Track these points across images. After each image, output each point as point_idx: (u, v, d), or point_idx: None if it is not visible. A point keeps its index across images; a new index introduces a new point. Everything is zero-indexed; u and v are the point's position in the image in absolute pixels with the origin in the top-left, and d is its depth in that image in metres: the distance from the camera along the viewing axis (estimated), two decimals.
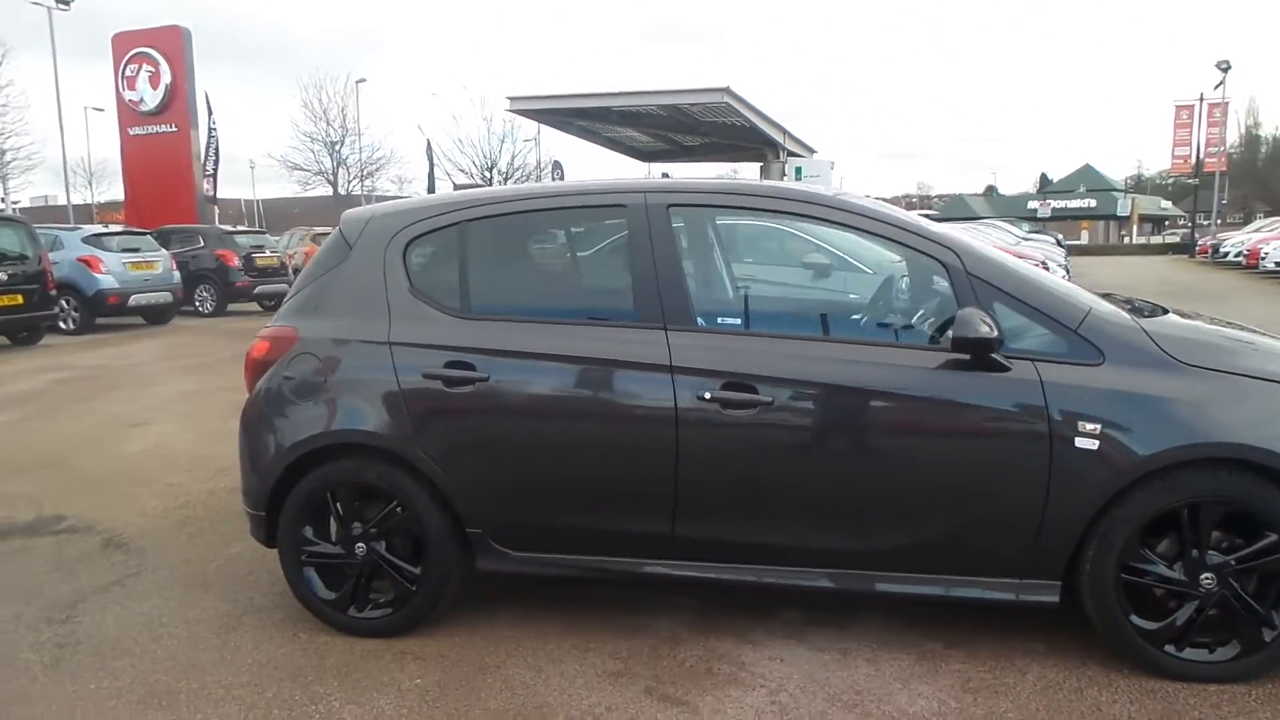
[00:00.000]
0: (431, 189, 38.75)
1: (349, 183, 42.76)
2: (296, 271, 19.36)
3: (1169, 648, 2.80)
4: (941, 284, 2.98)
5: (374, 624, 3.27)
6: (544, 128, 27.16)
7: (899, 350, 2.94)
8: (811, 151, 20.19)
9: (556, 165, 47.59)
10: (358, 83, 41.14)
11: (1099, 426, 2.72)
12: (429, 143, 38.47)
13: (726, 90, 14.53)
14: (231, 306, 17.95)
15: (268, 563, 4.03)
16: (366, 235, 3.36)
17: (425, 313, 3.21)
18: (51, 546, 4.38)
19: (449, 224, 3.30)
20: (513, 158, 47.43)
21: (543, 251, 3.57)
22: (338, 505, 3.26)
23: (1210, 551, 2.74)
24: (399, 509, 3.19)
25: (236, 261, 17.49)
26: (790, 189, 3.25)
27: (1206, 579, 2.73)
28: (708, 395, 2.91)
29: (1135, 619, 2.81)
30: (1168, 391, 2.73)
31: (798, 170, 18.88)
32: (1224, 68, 33.52)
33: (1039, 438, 2.76)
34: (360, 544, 3.24)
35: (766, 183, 3.26)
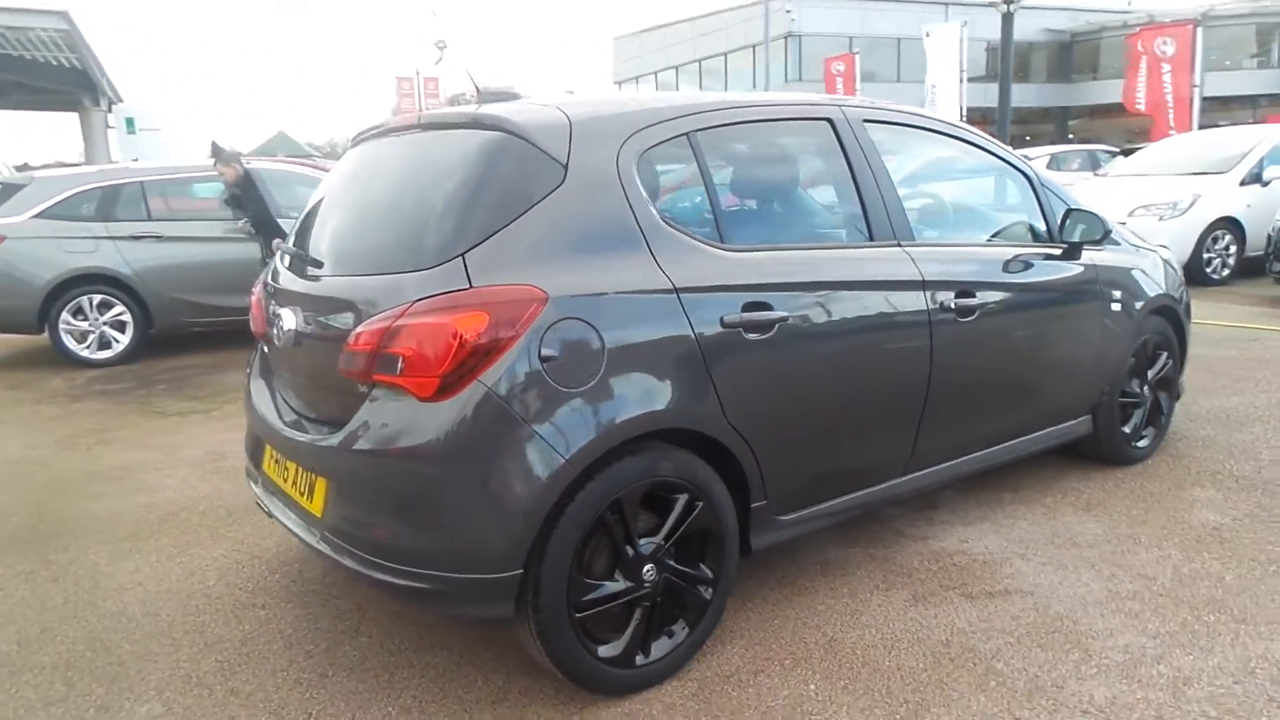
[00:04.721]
0: None
1: None
2: None
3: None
4: (1023, 192, 3.57)
5: (664, 663, 2.49)
6: None
7: (1039, 249, 3.45)
8: (120, 100, 16.85)
9: None
10: None
11: (1120, 292, 3.71)
12: None
13: (65, 15, 11.37)
14: None
15: (349, 675, 2.56)
16: (582, 148, 2.38)
17: (690, 245, 2.49)
18: None
19: (677, 134, 2.57)
20: None
21: (767, 168, 2.97)
22: (620, 522, 2.35)
23: None
24: (696, 503, 2.47)
25: None
26: (926, 112, 3.39)
27: None
28: (953, 305, 3.01)
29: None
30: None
31: (129, 121, 15.46)
32: (441, 46, 38.30)
33: (1101, 301, 3.63)
34: (649, 565, 2.41)
35: (907, 105, 3.36)
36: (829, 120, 2.93)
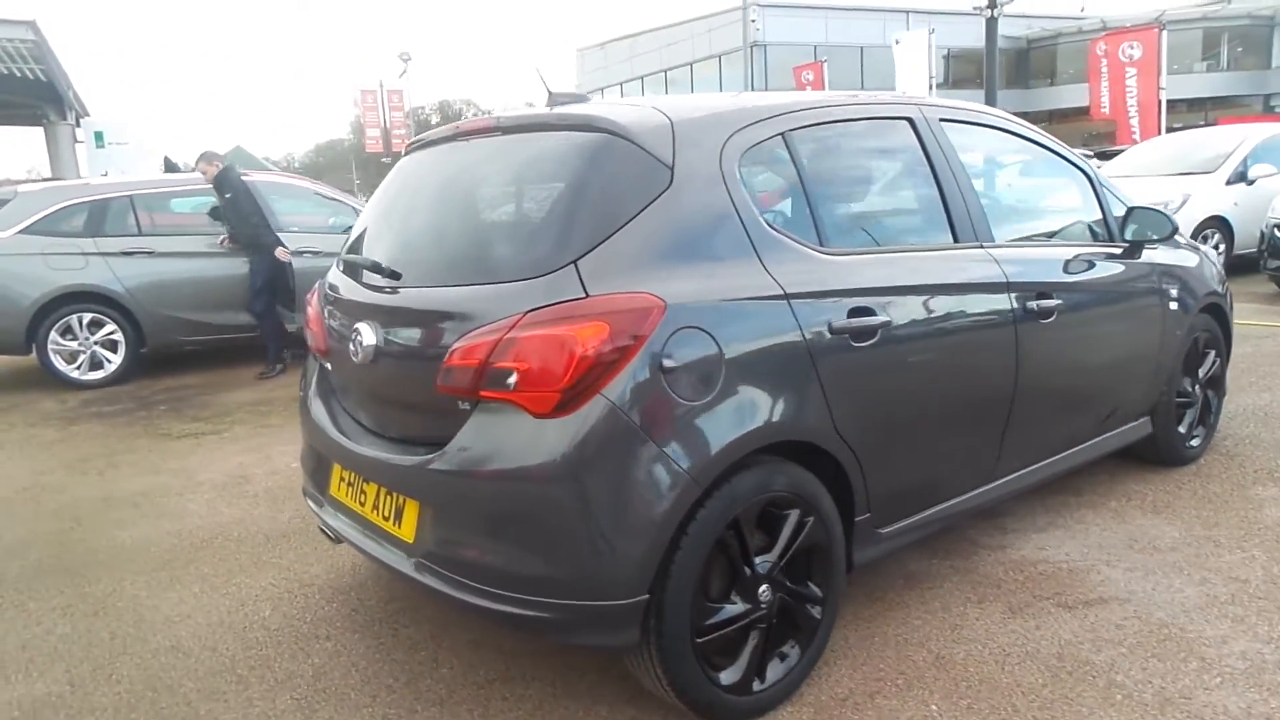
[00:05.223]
0: None
1: None
2: None
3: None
4: (1084, 190, 3.53)
5: (779, 688, 2.38)
6: None
7: (1104, 247, 3.41)
8: (87, 114, 16.34)
9: None
10: None
11: (1176, 289, 3.68)
12: None
13: (33, 25, 11.02)
14: None
15: None
16: (686, 150, 2.28)
17: (793, 249, 2.39)
18: None
19: (773, 134, 2.48)
20: None
21: (856, 168, 2.87)
22: (738, 541, 2.24)
23: None
24: (807, 519, 2.37)
25: None
26: (994, 110, 3.33)
27: None
28: (1035, 306, 2.95)
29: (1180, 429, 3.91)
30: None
31: (98, 135, 14.92)
32: (405, 59, 37.91)
33: (1161, 298, 3.59)
34: (764, 585, 2.30)
35: (974, 104, 3.31)
36: (909, 120, 2.87)
